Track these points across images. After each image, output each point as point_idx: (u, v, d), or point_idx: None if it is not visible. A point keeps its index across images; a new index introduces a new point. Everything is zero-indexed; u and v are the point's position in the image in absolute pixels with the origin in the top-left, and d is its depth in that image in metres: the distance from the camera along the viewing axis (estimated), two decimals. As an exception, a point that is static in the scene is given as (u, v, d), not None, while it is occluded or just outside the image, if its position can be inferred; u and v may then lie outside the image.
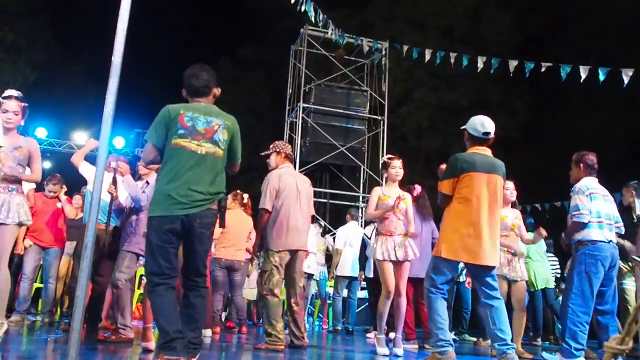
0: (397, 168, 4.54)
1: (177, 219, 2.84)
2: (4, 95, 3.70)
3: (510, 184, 4.82)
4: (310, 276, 7.39)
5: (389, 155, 4.80)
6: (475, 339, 6.46)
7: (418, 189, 5.44)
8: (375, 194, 4.49)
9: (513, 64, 8.53)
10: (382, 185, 4.70)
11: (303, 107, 10.67)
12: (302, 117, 10.62)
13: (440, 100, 15.79)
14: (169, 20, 19.15)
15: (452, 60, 9.72)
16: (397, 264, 4.33)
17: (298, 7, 7.08)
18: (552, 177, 10.30)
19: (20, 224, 3.72)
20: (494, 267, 3.55)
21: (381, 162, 4.82)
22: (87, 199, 5.26)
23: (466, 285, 6.80)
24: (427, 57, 9.80)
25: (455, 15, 16.05)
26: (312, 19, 7.90)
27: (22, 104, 3.72)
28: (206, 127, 2.95)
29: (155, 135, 2.94)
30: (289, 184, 4.42)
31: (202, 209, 2.90)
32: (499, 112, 14.48)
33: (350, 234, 7.41)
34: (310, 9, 7.59)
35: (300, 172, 10.44)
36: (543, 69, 8.18)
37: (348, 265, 7.27)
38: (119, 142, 12.20)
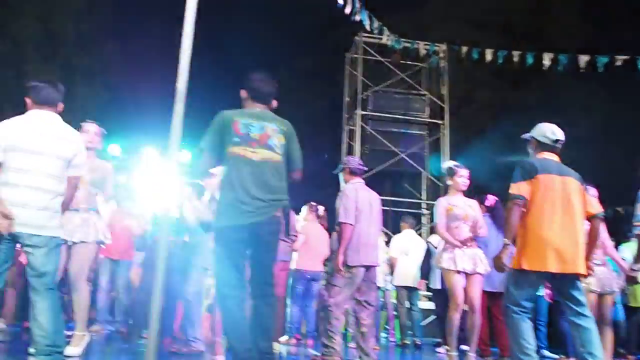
0: (464, 177, 4.42)
1: (244, 227, 2.83)
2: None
3: (593, 190, 4.42)
4: (377, 288, 7.27)
5: (455, 163, 4.66)
6: (557, 357, 6.05)
7: (491, 199, 5.25)
8: (441, 205, 4.36)
9: (584, 59, 8.06)
10: (444, 192, 4.57)
11: (361, 115, 10.62)
12: (361, 125, 10.56)
13: (504, 100, 15.21)
14: (225, 37, 19.75)
15: (516, 59, 9.34)
16: (467, 276, 4.19)
17: (352, 17, 7.08)
18: (636, 177, 9.59)
19: (99, 243, 3.92)
20: (581, 276, 3.21)
21: (445, 168, 4.70)
22: (154, 213, 5.46)
23: (545, 298, 6.34)
24: (489, 57, 9.47)
25: (516, 10, 15.45)
26: (368, 27, 7.87)
27: (100, 129, 3.98)
28: (260, 132, 2.95)
29: (208, 142, 2.99)
30: (363, 199, 4.37)
31: (268, 216, 2.89)
32: (570, 110, 13.73)
33: (405, 243, 7.23)
34: (365, 17, 7.56)
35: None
36: (618, 63, 7.66)
37: (405, 275, 7.08)
38: (185, 155, 12.60)
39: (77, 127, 3.47)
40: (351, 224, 4.26)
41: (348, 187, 4.41)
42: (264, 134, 2.95)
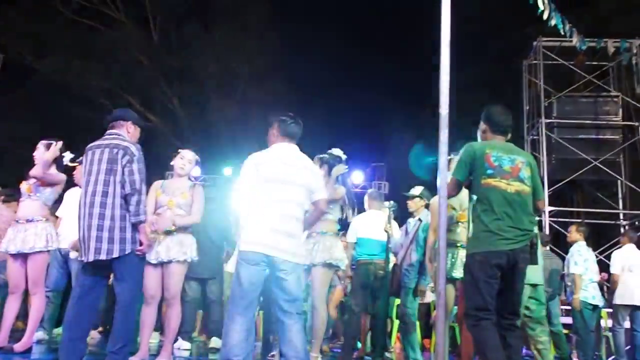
0: None
1: (504, 254, 2.94)
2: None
3: None
4: (594, 307, 6.76)
5: None
6: None
7: None
8: None
9: None
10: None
11: (545, 123, 10.05)
12: (546, 134, 9.98)
13: None
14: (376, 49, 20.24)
15: None
16: None
17: (549, 23, 6.78)
18: None
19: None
20: None
21: None
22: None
23: None
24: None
25: None
26: (562, 32, 7.46)
27: (196, 157, 4.22)
28: (511, 165, 3.06)
29: (460, 172, 3.15)
30: None
31: (523, 244, 2.99)
32: None
33: (629, 258, 6.65)
34: (559, 21, 7.17)
35: (549, 192, 9.81)
36: None
37: (631, 293, 6.49)
38: (357, 177, 13.06)
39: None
40: None
41: None
42: (515, 166, 3.07)
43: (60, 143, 4.23)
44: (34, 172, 4.02)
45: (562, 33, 8.11)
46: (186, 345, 5.37)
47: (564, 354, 6.38)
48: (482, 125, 3.29)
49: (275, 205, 3.08)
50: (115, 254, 3.21)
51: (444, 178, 2.96)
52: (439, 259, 2.96)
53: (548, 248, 7.25)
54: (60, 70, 17.89)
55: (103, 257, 3.19)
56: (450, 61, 3.11)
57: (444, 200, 2.91)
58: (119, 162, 3.27)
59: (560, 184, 10.01)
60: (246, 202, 3.11)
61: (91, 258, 3.19)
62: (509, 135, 3.27)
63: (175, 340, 5.48)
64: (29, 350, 3.98)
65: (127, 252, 3.24)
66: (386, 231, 5.43)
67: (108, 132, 3.51)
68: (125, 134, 3.50)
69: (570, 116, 10.08)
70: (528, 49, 11.05)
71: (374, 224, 5.25)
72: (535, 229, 3.13)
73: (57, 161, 4.27)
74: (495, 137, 3.21)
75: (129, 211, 3.26)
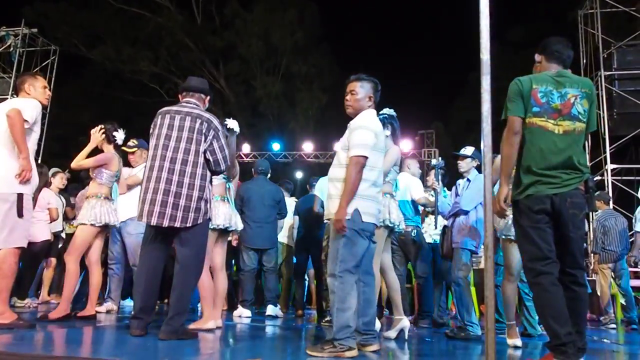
0: None
1: (547, 198, 2.69)
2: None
3: None
4: None
5: None
6: None
7: None
8: None
9: None
10: None
11: (605, 76, 9.40)
12: (606, 87, 9.35)
13: None
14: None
15: None
16: None
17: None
18: None
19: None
20: None
21: None
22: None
23: None
24: None
25: None
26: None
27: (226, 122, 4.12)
28: (562, 101, 2.74)
29: (516, 108, 2.79)
30: None
31: (571, 188, 2.70)
32: None
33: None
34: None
35: (610, 149, 9.25)
36: None
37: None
38: (406, 144, 12.88)
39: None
40: None
41: None
42: (566, 102, 2.74)
43: (96, 129, 4.40)
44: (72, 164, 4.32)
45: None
46: (247, 312, 5.56)
47: (632, 316, 6.14)
48: (537, 57, 2.93)
49: (381, 177, 3.15)
50: (189, 223, 3.21)
51: (486, 127, 2.65)
52: (488, 210, 2.70)
53: (611, 207, 6.86)
54: (112, 58, 18.54)
55: (177, 224, 3.19)
56: (490, 6, 2.76)
57: (489, 150, 2.63)
58: (202, 134, 3.30)
59: (622, 140, 9.37)
60: (369, 171, 3.07)
61: (165, 224, 3.18)
62: (569, 70, 2.88)
63: (236, 308, 5.77)
64: (93, 317, 4.21)
65: (199, 222, 3.26)
66: (434, 188, 5.25)
67: (185, 100, 3.48)
68: (202, 106, 3.52)
69: (632, 67, 9.36)
70: (583, -1, 10.32)
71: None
72: (588, 171, 2.79)
73: (113, 142, 4.46)
74: (551, 67, 2.85)
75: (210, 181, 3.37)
